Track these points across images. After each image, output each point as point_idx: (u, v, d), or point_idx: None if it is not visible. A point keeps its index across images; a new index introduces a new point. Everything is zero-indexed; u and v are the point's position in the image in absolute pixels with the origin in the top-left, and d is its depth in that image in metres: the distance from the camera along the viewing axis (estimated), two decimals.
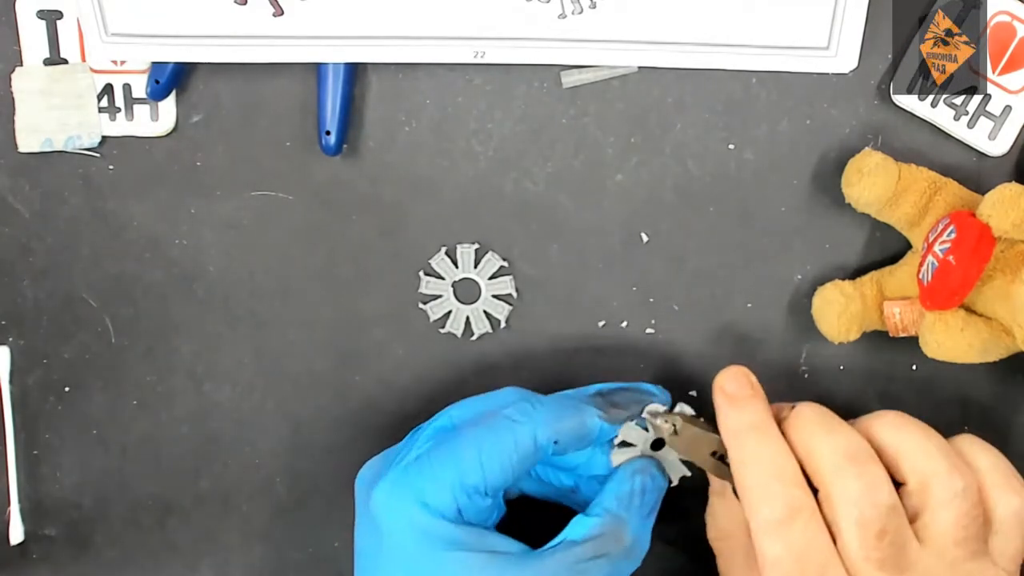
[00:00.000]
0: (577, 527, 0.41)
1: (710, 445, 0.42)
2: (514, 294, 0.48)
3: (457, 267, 0.48)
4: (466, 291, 0.49)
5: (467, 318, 0.49)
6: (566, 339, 0.49)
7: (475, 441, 0.40)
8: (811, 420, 0.40)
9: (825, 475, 0.38)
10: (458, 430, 0.42)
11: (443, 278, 0.49)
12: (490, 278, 0.48)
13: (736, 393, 0.41)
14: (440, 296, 0.49)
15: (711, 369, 0.49)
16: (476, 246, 0.48)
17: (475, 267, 0.48)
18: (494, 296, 0.48)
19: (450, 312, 0.49)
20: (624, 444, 0.44)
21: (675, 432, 0.42)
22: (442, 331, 0.49)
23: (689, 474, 0.45)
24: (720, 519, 0.45)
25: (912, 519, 0.38)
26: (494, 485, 0.40)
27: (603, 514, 0.41)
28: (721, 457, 0.42)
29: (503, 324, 0.49)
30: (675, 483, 0.45)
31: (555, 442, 0.41)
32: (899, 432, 0.40)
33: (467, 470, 0.40)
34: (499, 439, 0.40)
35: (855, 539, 0.37)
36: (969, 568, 0.37)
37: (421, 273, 0.49)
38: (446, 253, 0.48)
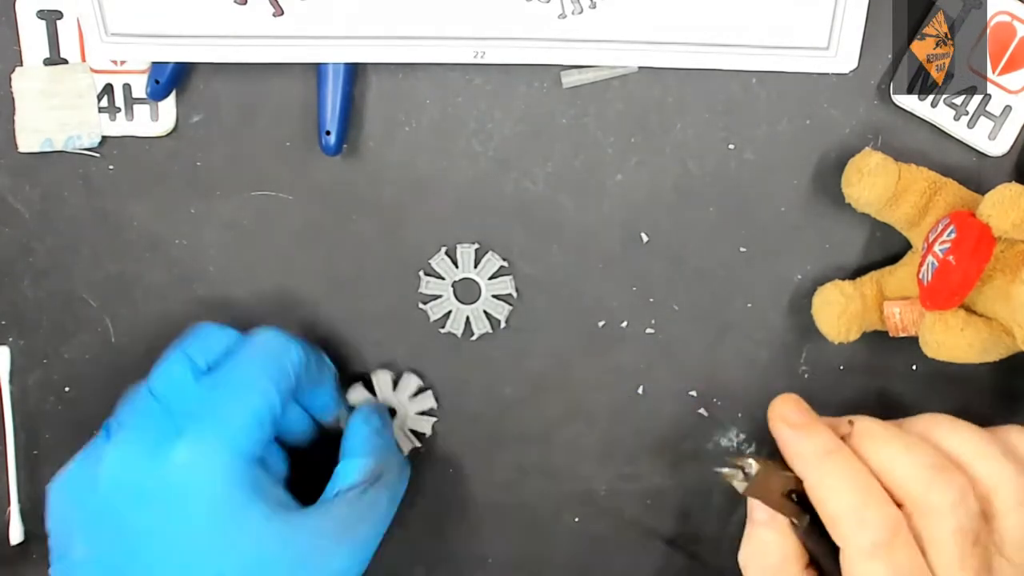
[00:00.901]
0: (345, 468, 0.43)
1: (784, 484, 0.40)
2: (514, 294, 0.48)
3: (457, 267, 0.48)
4: (466, 291, 0.49)
5: (467, 318, 0.49)
6: (566, 339, 0.49)
7: (260, 368, 0.41)
8: (881, 436, 0.39)
9: (913, 489, 0.37)
10: (231, 366, 0.41)
11: (443, 278, 0.49)
12: (490, 278, 0.48)
13: (800, 421, 0.40)
14: (440, 296, 0.49)
15: (711, 369, 0.49)
16: (476, 246, 0.48)
17: (475, 267, 0.48)
18: (494, 296, 0.49)
19: (450, 312, 0.49)
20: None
21: (745, 478, 0.40)
22: (442, 331, 0.49)
23: (419, 445, 0.49)
24: (771, 555, 0.41)
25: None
26: (283, 407, 0.41)
27: (361, 452, 0.44)
28: (790, 495, 0.40)
29: (503, 324, 0.49)
30: (406, 453, 0.49)
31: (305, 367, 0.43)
32: (957, 436, 0.40)
33: (262, 398, 0.40)
34: (279, 361, 0.42)
35: (954, 550, 0.36)
36: None
37: (421, 273, 0.49)
38: (446, 253, 0.48)
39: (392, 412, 0.49)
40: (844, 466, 0.38)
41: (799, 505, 0.40)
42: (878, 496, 0.37)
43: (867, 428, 0.40)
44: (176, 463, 0.38)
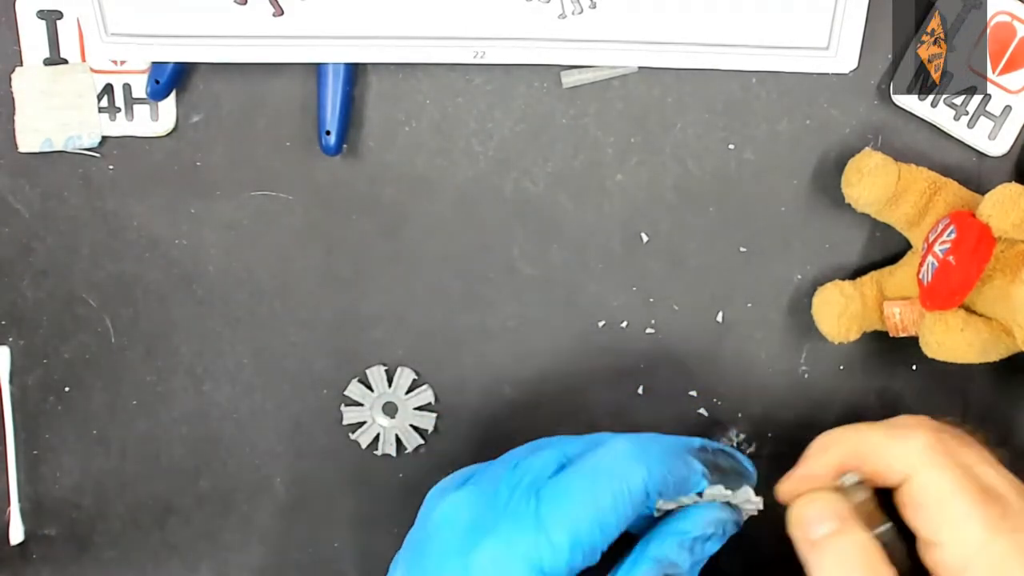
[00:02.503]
0: (633, 568, 0.39)
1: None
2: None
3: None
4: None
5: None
6: (566, 339, 0.49)
7: (589, 495, 0.38)
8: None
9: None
10: (566, 479, 0.39)
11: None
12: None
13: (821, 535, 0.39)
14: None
15: (711, 369, 0.49)
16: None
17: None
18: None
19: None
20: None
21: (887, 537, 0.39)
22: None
23: (423, 442, 0.49)
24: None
25: None
26: (608, 539, 0.38)
27: (663, 559, 0.39)
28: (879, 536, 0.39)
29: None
30: (410, 450, 0.49)
31: (659, 494, 0.39)
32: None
33: (584, 528, 0.37)
34: (613, 492, 0.38)
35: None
36: None
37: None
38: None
39: (392, 409, 0.50)
40: (854, 426, 0.40)
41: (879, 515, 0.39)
42: (899, 420, 0.39)
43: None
44: (478, 562, 0.37)
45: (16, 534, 0.50)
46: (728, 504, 0.40)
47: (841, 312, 0.45)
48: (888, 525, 0.38)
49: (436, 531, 0.39)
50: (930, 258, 0.42)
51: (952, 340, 0.43)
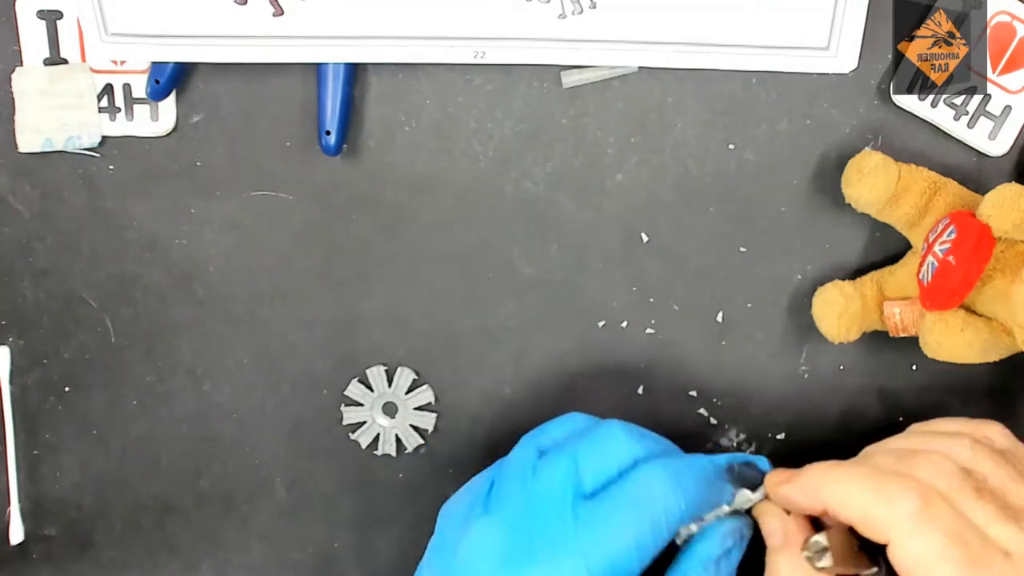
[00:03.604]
0: None
1: (850, 541, 0.38)
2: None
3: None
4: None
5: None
6: (566, 339, 0.49)
7: (631, 527, 0.38)
8: (839, 466, 0.39)
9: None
10: (605, 507, 0.39)
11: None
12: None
13: (783, 477, 0.39)
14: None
15: (711, 369, 0.49)
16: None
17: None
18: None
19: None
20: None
21: (824, 551, 0.38)
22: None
23: (423, 442, 0.47)
24: None
25: None
26: (643, 568, 0.38)
27: None
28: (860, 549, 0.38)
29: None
30: (410, 450, 0.48)
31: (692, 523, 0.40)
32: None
33: (622, 557, 0.38)
34: (654, 527, 0.38)
35: (964, 502, 0.36)
36: None
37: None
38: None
39: (392, 409, 0.50)
40: (844, 473, 0.38)
41: (869, 555, 0.38)
42: (891, 475, 0.37)
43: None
44: None
45: (16, 534, 0.50)
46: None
47: (841, 312, 0.45)
48: (873, 571, 0.38)
49: (467, 564, 0.39)
50: (930, 258, 0.42)
51: (952, 340, 0.43)
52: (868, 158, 0.44)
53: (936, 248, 0.42)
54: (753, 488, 0.41)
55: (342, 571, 0.52)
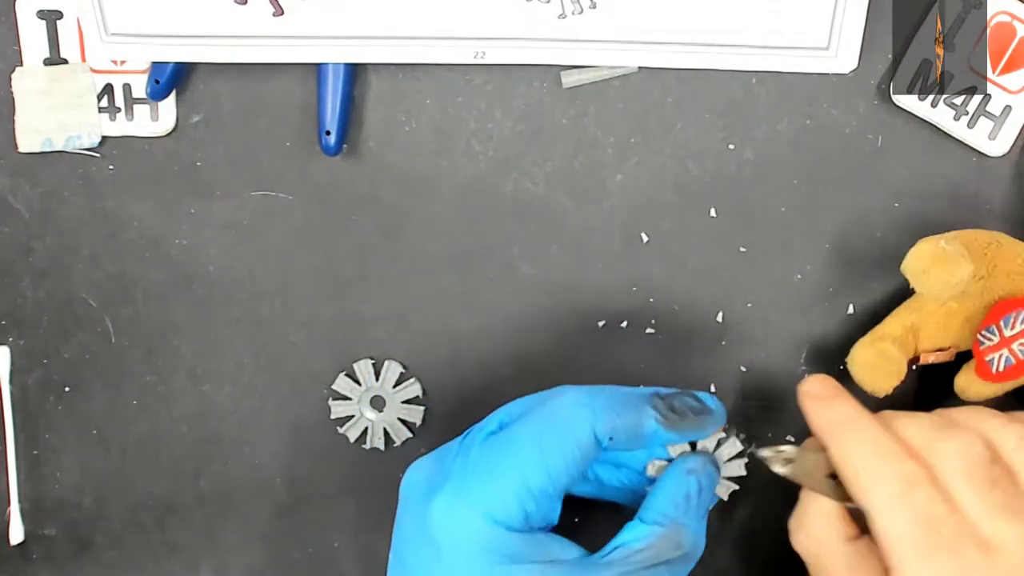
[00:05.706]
0: (633, 532, 0.39)
1: (826, 466, 0.40)
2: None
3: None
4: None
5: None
6: (566, 339, 0.49)
7: (534, 439, 0.38)
8: (888, 414, 0.40)
9: (921, 444, 0.38)
10: (512, 430, 0.40)
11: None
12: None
13: (822, 394, 0.41)
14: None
15: (712, 369, 0.49)
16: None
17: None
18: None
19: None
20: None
21: (788, 462, 0.41)
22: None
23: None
24: (815, 527, 0.41)
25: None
26: (559, 486, 0.38)
27: (661, 520, 0.40)
28: (833, 476, 0.40)
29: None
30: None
31: (610, 439, 0.39)
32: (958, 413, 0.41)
33: (531, 472, 0.38)
34: (559, 435, 0.38)
35: (967, 490, 0.37)
36: None
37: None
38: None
39: (380, 403, 0.49)
40: (861, 427, 0.39)
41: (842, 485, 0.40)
42: (897, 452, 0.38)
43: (880, 414, 0.40)
44: (434, 516, 0.38)
45: (16, 534, 0.50)
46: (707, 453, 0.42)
47: (889, 374, 0.45)
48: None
49: (403, 496, 0.41)
50: (1006, 352, 0.43)
51: (991, 391, 0.44)
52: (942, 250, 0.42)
53: (1015, 346, 0.43)
54: (682, 417, 0.41)
55: (342, 571, 0.52)
